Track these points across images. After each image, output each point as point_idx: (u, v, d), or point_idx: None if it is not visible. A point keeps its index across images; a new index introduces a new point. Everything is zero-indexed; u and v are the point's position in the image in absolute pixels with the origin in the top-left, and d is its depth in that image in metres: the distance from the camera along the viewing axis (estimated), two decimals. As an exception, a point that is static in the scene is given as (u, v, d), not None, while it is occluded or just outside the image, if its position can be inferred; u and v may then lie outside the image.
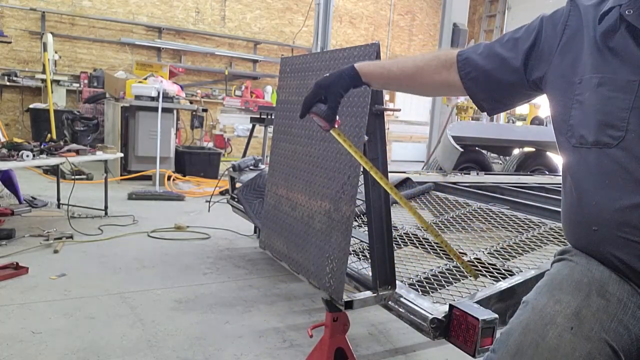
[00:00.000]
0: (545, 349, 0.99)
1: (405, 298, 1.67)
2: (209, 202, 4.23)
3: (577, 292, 1.06)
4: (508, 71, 1.21)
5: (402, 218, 2.70)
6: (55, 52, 7.84)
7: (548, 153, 5.49)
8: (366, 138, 1.55)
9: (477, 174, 4.32)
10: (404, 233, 2.43)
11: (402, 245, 2.30)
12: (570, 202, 1.13)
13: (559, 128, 1.14)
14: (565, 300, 1.05)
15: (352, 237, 1.68)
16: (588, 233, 1.09)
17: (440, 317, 1.46)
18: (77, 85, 8.42)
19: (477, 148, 5.35)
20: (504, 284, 1.68)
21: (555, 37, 1.14)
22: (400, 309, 1.66)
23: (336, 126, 1.34)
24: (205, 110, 7.36)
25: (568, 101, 1.10)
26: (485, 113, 1.35)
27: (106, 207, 4.39)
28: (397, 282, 1.72)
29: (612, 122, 1.02)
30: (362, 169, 1.61)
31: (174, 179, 6.21)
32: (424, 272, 1.94)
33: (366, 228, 1.70)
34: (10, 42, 7.47)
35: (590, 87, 1.06)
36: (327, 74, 1.33)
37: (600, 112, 1.04)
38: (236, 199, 3.34)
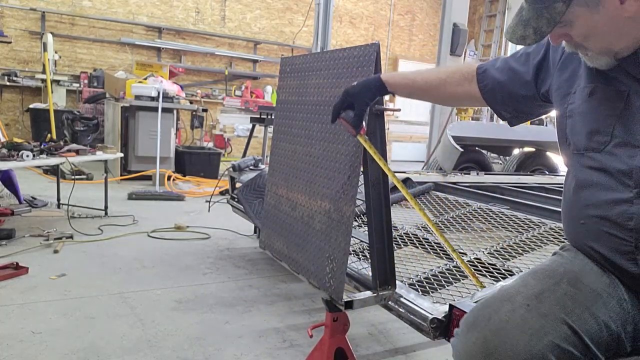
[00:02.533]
0: (497, 321, 1.05)
1: (405, 298, 1.67)
2: (209, 202, 4.23)
3: (547, 279, 1.12)
4: (521, 84, 1.29)
5: (402, 218, 2.70)
6: (55, 52, 7.84)
7: (548, 153, 5.49)
8: (366, 138, 1.55)
9: (477, 174, 4.32)
10: (404, 233, 2.43)
11: (402, 245, 2.30)
12: (567, 199, 1.22)
13: (559, 136, 1.23)
14: (532, 284, 1.12)
15: (352, 237, 1.68)
16: (577, 227, 1.17)
17: (440, 317, 1.46)
18: (77, 85, 8.42)
19: (477, 148, 5.35)
20: (504, 284, 1.68)
21: (557, 52, 1.22)
22: (400, 309, 1.66)
23: (362, 133, 1.45)
24: (205, 110, 7.36)
25: (564, 111, 1.19)
26: (507, 123, 1.44)
27: (106, 207, 4.39)
28: (397, 282, 1.72)
29: (599, 128, 1.10)
30: (362, 169, 1.61)
31: (174, 179, 6.21)
32: (424, 272, 1.94)
33: (366, 228, 1.70)
34: (10, 42, 7.47)
35: (583, 96, 1.14)
36: (355, 83, 1.45)
37: (590, 120, 1.12)
38: (236, 199, 3.34)
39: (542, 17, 1.00)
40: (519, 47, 1.22)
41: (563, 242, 2.10)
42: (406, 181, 3.27)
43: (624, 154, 1.06)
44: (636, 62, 1.05)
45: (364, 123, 1.44)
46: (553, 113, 1.29)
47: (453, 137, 4.60)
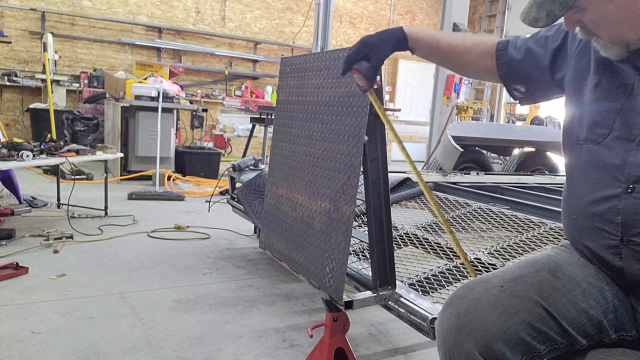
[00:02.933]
0: (470, 299, 1.09)
1: (405, 298, 1.67)
2: (209, 202, 4.23)
3: (529, 267, 1.15)
4: (537, 67, 1.28)
5: (402, 218, 2.70)
6: (55, 52, 7.83)
7: (548, 153, 5.49)
8: (366, 138, 1.55)
9: (477, 174, 4.32)
10: (404, 233, 2.43)
11: (402, 245, 2.30)
12: (565, 194, 1.23)
13: (565, 127, 1.22)
14: (512, 270, 1.15)
15: (352, 237, 1.68)
16: (570, 222, 1.19)
17: (440, 317, 1.46)
18: (77, 85, 8.42)
19: (477, 148, 5.35)
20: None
21: (575, 41, 1.20)
22: (400, 309, 1.66)
23: (375, 87, 1.33)
24: (205, 110, 7.36)
25: (575, 102, 1.18)
26: (518, 102, 1.42)
27: (106, 207, 4.39)
28: (397, 282, 1.73)
29: (600, 120, 1.10)
30: (362, 169, 1.61)
31: (174, 179, 6.21)
32: (424, 272, 1.94)
33: (366, 228, 1.70)
34: (10, 42, 7.46)
35: (590, 88, 1.13)
36: (373, 33, 1.35)
37: (592, 112, 1.12)
38: (236, 199, 3.34)
39: (556, 1, 1.00)
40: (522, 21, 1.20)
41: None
42: (406, 181, 3.27)
43: (620, 148, 1.07)
44: None
45: (377, 78, 1.34)
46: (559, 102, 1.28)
47: (453, 137, 4.60)
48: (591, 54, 1.16)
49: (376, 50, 1.30)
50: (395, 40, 1.33)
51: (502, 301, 1.06)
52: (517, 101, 1.41)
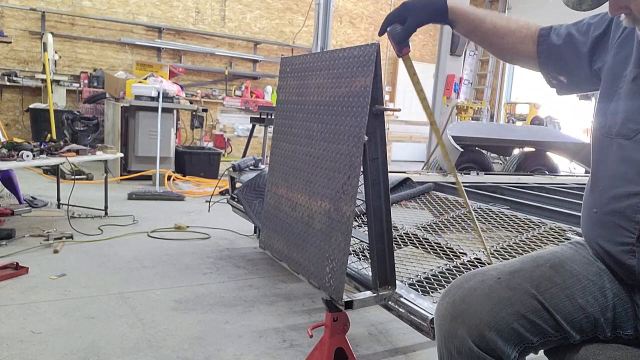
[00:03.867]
0: (466, 288, 1.11)
1: (405, 298, 1.67)
2: (209, 202, 4.23)
3: (530, 261, 1.16)
4: (576, 54, 1.24)
5: (402, 218, 2.70)
6: (55, 52, 7.84)
7: (548, 153, 5.49)
8: (366, 138, 1.55)
9: (477, 174, 4.32)
10: (404, 233, 2.43)
11: (402, 245, 2.30)
12: (588, 188, 1.20)
13: (597, 119, 1.18)
14: (512, 264, 1.16)
15: (352, 237, 1.68)
16: (589, 215, 1.17)
17: (440, 317, 1.46)
18: (77, 85, 8.42)
19: (477, 148, 5.35)
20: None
21: (618, 30, 1.17)
22: (400, 309, 1.66)
23: (405, 53, 1.30)
24: (205, 110, 7.36)
25: (612, 94, 1.14)
26: (555, 91, 1.38)
27: (106, 207, 4.39)
28: (397, 282, 1.72)
29: (634, 116, 1.07)
30: (362, 169, 1.61)
31: (174, 179, 6.21)
32: (424, 272, 1.94)
33: (366, 228, 1.70)
34: (10, 42, 7.45)
35: (629, 80, 1.10)
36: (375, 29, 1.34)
37: (627, 106, 1.09)
38: (236, 199, 3.34)
39: None
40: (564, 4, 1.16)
41: (563, 242, 2.10)
42: (406, 181, 3.27)
43: None
44: None
45: (410, 44, 1.30)
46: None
47: (453, 137, 4.60)
48: (634, 44, 1.12)
49: (412, 15, 1.28)
50: (435, 10, 1.29)
51: (497, 292, 1.08)
52: (555, 90, 1.36)
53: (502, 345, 1.03)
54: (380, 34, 1.34)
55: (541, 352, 1.17)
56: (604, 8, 1.05)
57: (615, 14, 1.05)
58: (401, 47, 1.29)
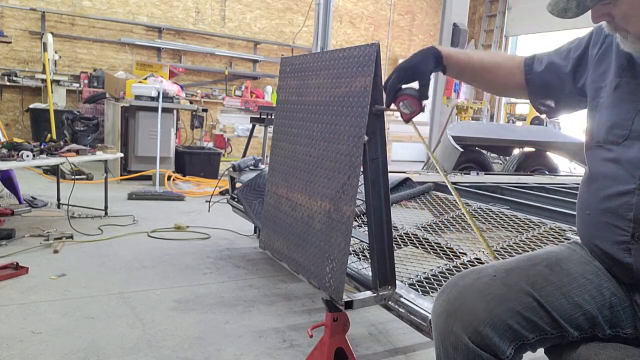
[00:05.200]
0: (461, 286, 1.12)
1: (405, 298, 1.67)
2: (209, 202, 4.23)
3: (526, 260, 1.17)
4: (558, 77, 1.30)
5: (402, 218, 2.70)
6: (55, 52, 7.83)
7: (548, 153, 5.49)
8: (366, 138, 1.55)
9: (477, 174, 4.32)
10: (404, 233, 2.43)
11: (402, 245, 2.30)
12: (581, 191, 1.23)
13: (587, 130, 1.23)
14: (509, 262, 1.17)
15: (352, 237, 1.68)
16: (584, 217, 1.20)
17: (440, 317, 1.46)
18: (77, 85, 8.42)
19: (477, 148, 5.35)
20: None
21: (595, 48, 1.22)
22: (400, 309, 1.66)
23: (424, 110, 1.30)
24: (205, 110, 7.36)
25: (594, 105, 1.20)
26: (545, 116, 1.45)
27: (106, 207, 4.39)
28: (397, 282, 1.73)
29: (620, 122, 1.10)
30: (362, 169, 1.61)
31: (174, 179, 6.21)
32: (424, 272, 1.94)
33: (366, 228, 1.70)
34: (10, 42, 7.46)
35: (610, 90, 1.14)
36: (408, 57, 1.35)
37: (612, 114, 1.13)
38: (236, 199, 3.34)
39: None
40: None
41: (562, 242, 2.10)
42: (406, 181, 3.27)
43: (638, 147, 1.07)
44: None
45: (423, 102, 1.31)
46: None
47: (453, 137, 4.60)
48: (612, 57, 1.16)
49: (419, 71, 1.30)
50: (434, 58, 1.33)
51: (491, 289, 1.08)
52: (545, 116, 1.42)
53: (497, 341, 1.04)
54: (390, 105, 1.36)
55: (541, 352, 1.18)
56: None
57: (598, 22, 1.09)
58: (423, 104, 1.29)
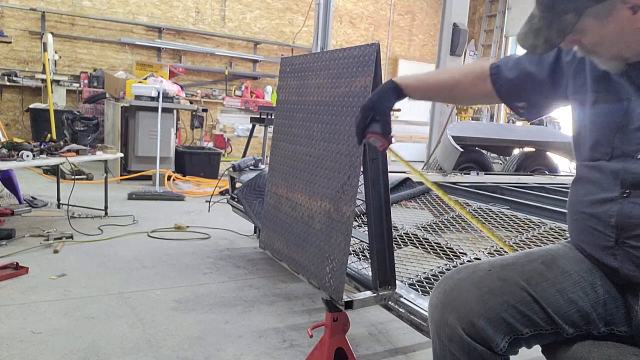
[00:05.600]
0: (457, 279, 1.14)
1: (405, 298, 1.67)
2: (209, 202, 4.23)
3: (523, 257, 1.19)
4: (535, 83, 1.29)
5: (402, 218, 2.71)
6: (55, 52, 7.83)
7: (548, 153, 5.49)
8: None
9: (477, 174, 4.32)
10: (404, 233, 2.43)
11: (402, 245, 2.30)
12: (569, 197, 1.25)
13: (574, 143, 1.24)
14: (505, 258, 1.19)
15: (352, 237, 1.68)
16: (572, 223, 1.22)
17: (440, 317, 1.46)
18: (77, 85, 8.42)
19: (477, 148, 5.35)
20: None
21: (568, 55, 1.22)
22: (400, 309, 1.66)
23: (393, 142, 1.38)
24: (205, 110, 7.36)
25: (577, 118, 1.21)
26: (524, 119, 1.44)
27: (106, 207, 4.39)
28: (397, 282, 1.73)
29: (602, 140, 1.12)
30: (362, 169, 1.61)
31: (174, 179, 6.21)
32: (424, 272, 1.94)
33: (366, 228, 1.70)
34: (10, 42, 7.46)
35: (589, 105, 1.16)
36: (370, 96, 1.41)
37: (593, 131, 1.14)
38: (236, 199, 3.34)
39: (553, 28, 1.01)
40: (520, 48, 1.22)
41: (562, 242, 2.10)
42: (406, 181, 3.27)
43: (621, 162, 1.10)
44: (639, 68, 1.07)
45: (392, 132, 1.38)
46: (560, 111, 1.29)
47: (453, 137, 4.60)
48: (587, 70, 1.17)
49: (379, 110, 1.35)
50: (392, 93, 1.38)
51: (486, 282, 1.10)
52: (523, 117, 1.42)
53: (491, 334, 1.05)
54: (360, 142, 1.40)
55: (540, 353, 1.18)
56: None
57: (569, 47, 1.11)
58: (389, 137, 1.36)
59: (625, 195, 1.07)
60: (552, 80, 1.27)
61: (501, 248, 2.13)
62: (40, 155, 3.74)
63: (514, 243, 2.18)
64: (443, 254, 2.14)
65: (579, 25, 1.01)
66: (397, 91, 1.39)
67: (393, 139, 1.38)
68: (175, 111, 6.55)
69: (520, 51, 1.16)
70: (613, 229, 1.09)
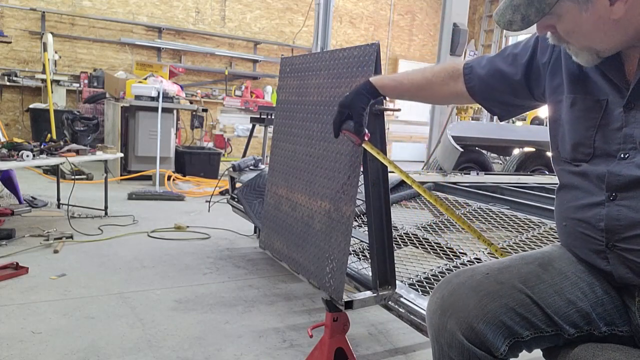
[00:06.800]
0: (455, 283, 1.14)
1: (405, 298, 1.67)
2: (209, 202, 4.23)
3: (519, 259, 1.19)
4: (509, 84, 1.29)
5: (402, 218, 2.71)
6: (55, 52, 7.83)
7: (548, 153, 5.48)
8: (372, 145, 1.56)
9: (477, 174, 4.32)
10: (404, 233, 2.43)
11: (402, 245, 2.30)
12: (556, 203, 1.26)
13: (551, 139, 1.25)
14: (502, 261, 1.19)
15: (352, 237, 1.68)
16: (561, 228, 1.22)
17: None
18: (77, 85, 8.42)
19: (477, 148, 5.35)
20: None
21: (545, 54, 1.23)
22: (400, 309, 1.66)
23: (366, 139, 1.44)
24: (205, 110, 7.36)
25: (555, 119, 1.21)
26: (497, 118, 1.45)
27: (106, 207, 4.39)
28: (397, 282, 1.73)
29: (583, 140, 1.13)
30: (362, 169, 1.61)
31: (174, 179, 6.21)
32: (424, 272, 1.94)
33: (366, 228, 1.70)
34: (10, 42, 7.45)
35: (567, 107, 1.16)
36: (347, 93, 1.45)
37: (573, 132, 1.15)
38: (236, 199, 3.34)
39: (532, 6, 1.01)
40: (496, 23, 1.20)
41: (563, 242, 2.10)
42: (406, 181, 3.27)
43: (603, 162, 1.10)
44: (616, 67, 1.07)
45: (366, 130, 1.43)
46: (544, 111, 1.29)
47: (453, 137, 4.60)
48: (562, 71, 1.17)
49: (354, 108, 1.41)
50: (366, 94, 1.42)
51: (484, 286, 1.09)
52: (497, 117, 1.43)
53: (491, 338, 1.04)
54: (336, 136, 1.49)
55: (539, 353, 1.18)
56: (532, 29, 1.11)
57: (542, 33, 1.11)
58: (362, 135, 1.43)
59: (612, 198, 1.07)
60: (527, 81, 1.26)
61: (502, 248, 2.13)
62: (40, 155, 3.74)
63: (513, 243, 2.18)
64: (443, 254, 2.14)
65: (558, 8, 1.01)
66: (373, 91, 1.43)
67: (366, 137, 1.43)
68: (175, 111, 6.55)
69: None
70: (602, 232, 1.09)
